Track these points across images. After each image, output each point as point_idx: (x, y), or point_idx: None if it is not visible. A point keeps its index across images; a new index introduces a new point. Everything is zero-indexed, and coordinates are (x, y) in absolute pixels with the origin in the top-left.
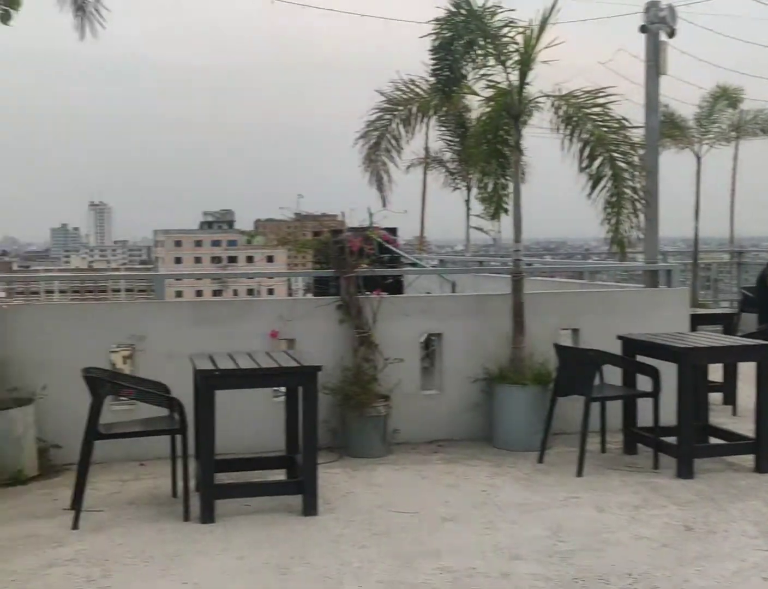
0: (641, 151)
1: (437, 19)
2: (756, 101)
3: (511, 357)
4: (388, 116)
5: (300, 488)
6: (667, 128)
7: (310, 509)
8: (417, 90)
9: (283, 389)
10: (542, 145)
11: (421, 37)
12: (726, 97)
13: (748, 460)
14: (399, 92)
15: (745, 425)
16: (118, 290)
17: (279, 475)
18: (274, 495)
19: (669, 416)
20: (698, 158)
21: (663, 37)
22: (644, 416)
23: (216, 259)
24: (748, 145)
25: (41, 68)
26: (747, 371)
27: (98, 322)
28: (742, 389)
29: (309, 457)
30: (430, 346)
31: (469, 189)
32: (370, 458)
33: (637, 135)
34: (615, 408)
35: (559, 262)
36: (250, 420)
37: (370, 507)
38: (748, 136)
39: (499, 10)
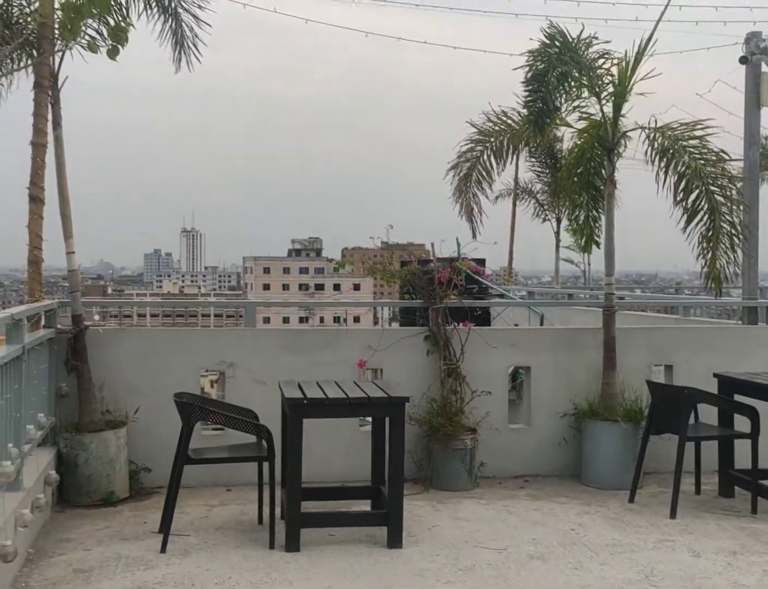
0: (740, 185)
1: (531, 51)
2: None
3: (601, 393)
4: (479, 147)
5: (385, 519)
6: (766, 160)
7: (394, 541)
8: (508, 121)
9: (369, 418)
10: (633, 176)
11: (515, 68)
12: None
13: None
14: (491, 124)
15: None
16: (208, 315)
17: (364, 505)
18: (359, 526)
19: None
20: None
21: (764, 68)
22: (741, 457)
23: (303, 287)
24: None
25: (132, 97)
26: None
27: (190, 348)
28: None
29: (395, 488)
30: (517, 378)
31: (558, 221)
32: (455, 491)
33: (735, 168)
34: (710, 448)
35: (652, 296)
36: (336, 449)
37: (456, 542)
38: None
39: (595, 42)
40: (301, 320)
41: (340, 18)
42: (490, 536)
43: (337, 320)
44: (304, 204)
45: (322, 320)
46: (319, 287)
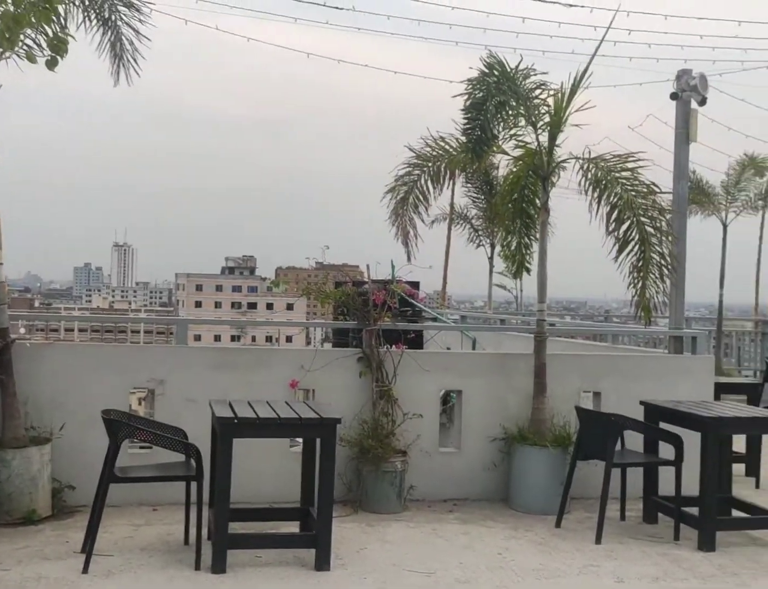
0: (669, 217)
1: (470, 80)
2: None
3: (531, 418)
4: (417, 172)
5: (313, 541)
6: (694, 194)
7: (322, 563)
8: (446, 147)
9: (299, 439)
10: (561, 203)
11: (454, 96)
12: (753, 166)
13: None
14: (428, 149)
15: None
16: (138, 331)
17: (293, 527)
18: (287, 548)
19: (691, 485)
20: (724, 226)
21: (693, 104)
22: (665, 484)
23: (236, 305)
24: None
25: (65, 108)
26: None
27: (119, 364)
28: (766, 460)
29: (324, 510)
30: (448, 401)
31: (492, 246)
32: (384, 513)
33: (665, 200)
34: (635, 475)
35: (581, 323)
36: (266, 470)
37: (384, 565)
38: None
39: (532, 73)
40: (233, 338)
41: (277, 37)
42: (418, 560)
43: (269, 339)
44: (238, 222)
45: (254, 339)
46: (252, 306)
